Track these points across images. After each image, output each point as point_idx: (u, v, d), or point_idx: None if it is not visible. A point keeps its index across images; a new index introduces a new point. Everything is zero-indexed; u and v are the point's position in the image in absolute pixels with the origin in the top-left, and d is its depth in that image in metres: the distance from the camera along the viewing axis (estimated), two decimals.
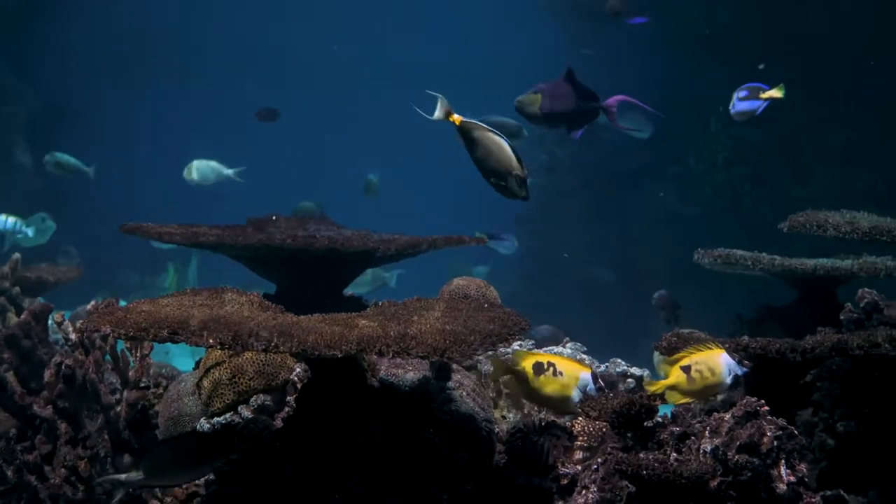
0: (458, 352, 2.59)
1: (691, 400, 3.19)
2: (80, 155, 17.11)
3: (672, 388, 3.13)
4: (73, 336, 4.03)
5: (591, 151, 12.64)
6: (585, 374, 3.13)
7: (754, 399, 2.89)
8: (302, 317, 2.82)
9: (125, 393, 3.96)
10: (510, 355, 3.61)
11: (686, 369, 3.08)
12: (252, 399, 3.44)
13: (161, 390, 3.97)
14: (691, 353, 3.10)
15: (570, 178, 12.82)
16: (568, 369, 3.13)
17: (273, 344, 2.50)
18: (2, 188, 14.05)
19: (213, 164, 8.60)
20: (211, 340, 2.53)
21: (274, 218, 4.55)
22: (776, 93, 4.73)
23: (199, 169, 8.61)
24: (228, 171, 8.55)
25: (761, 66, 7.22)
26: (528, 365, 3.15)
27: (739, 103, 4.84)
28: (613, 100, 4.61)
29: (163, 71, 21.20)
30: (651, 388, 3.16)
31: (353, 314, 2.92)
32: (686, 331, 3.43)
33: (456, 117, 3.25)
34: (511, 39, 20.28)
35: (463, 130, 3.29)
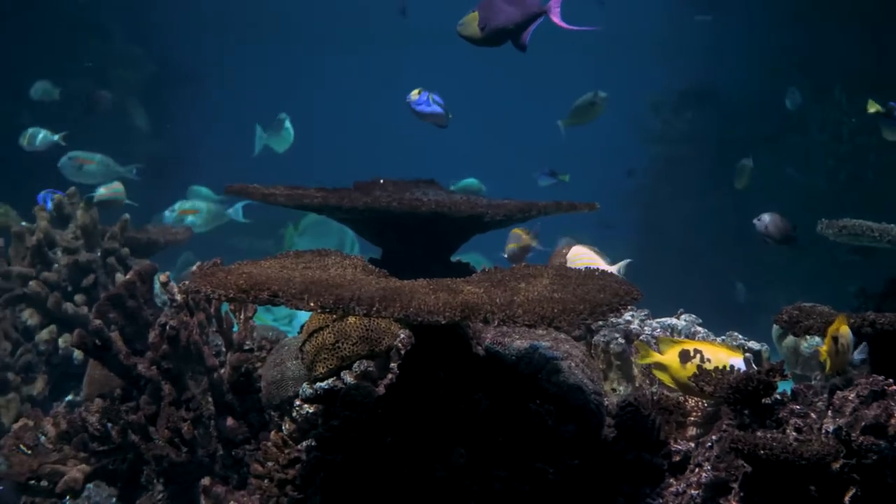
0: (566, 321, 2.47)
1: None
2: (194, 118, 17.37)
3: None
4: (178, 297, 4.03)
5: (707, 120, 12.38)
6: (736, 360, 2.96)
7: (881, 378, 2.71)
8: (406, 281, 2.73)
9: (229, 355, 3.94)
10: (648, 338, 3.50)
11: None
12: (355, 365, 3.37)
13: (265, 354, 3.94)
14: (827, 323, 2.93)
15: (685, 147, 12.60)
16: (716, 356, 2.97)
17: (375, 309, 2.41)
18: (119, 152, 14.31)
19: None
20: (312, 304, 2.46)
21: (381, 181, 4.48)
22: None
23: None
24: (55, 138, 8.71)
25: None
26: (673, 353, 3.01)
27: None
28: (554, 1, 4.39)
29: (277, 34, 21.36)
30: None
31: (459, 279, 2.82)
32: (808, 304, 3.24)
33: None
34: (625, 6, 19.94)
35: None
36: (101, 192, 6.33)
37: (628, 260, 3.82)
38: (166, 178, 12.37)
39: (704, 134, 12.25)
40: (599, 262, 3.80)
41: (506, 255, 5.07)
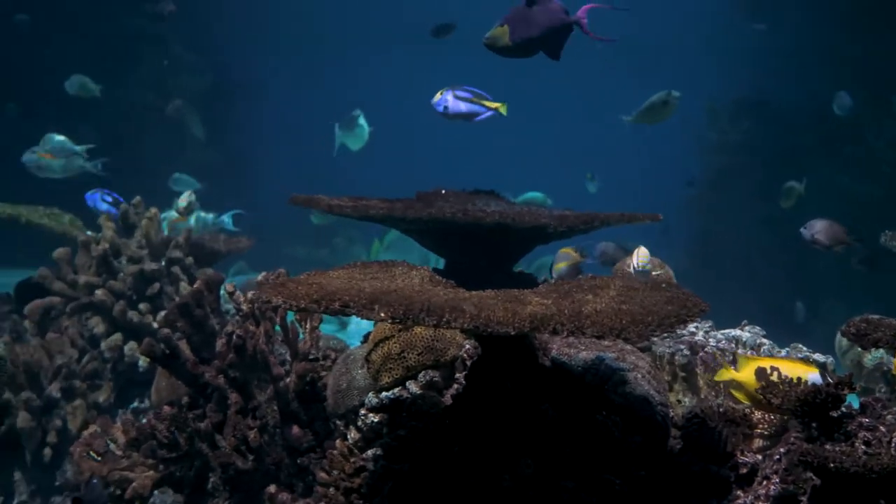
0: (634, 332, 2.47)
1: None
2: (249, 127, 17.52)
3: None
4: (244, 306, 4.08)
5: (762, 129, 12.30)
6: (814, 376, 2.95)
7: None
8: (473, 292, 2.75)
9: (294, 364, 3.99)
10: (713, 349, 3.49)
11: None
12: (420, 374, 3.40)
13: (330, 363, 3.98)
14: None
15: (740, 156, 12.53)
16: (793, 372, 2.96)
17: (444, 319, 2.44)
18: (176, 160, 14.48)
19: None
20: (382, 314, 2.48)
21: (443, 192, 4.50)
22: None
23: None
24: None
25: None
26: (750, 371, 3.00)
27: None
28: (582, 10, 4.42)
29: (331, 43, 21.50)
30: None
31: (526, 291, 2.84)
32: (876, 316, 3.22)
33: None
34: (680, 14, 19.86)
35: None
36: (180, 205, 6.42)
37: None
38: (222, 186, 12.50)
39: (760, 143, 12.17)
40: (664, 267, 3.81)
41: (554, 277, 5.01)
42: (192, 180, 9.74)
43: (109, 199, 6.61)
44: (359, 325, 10.56)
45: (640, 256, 3.88)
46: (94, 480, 3.75)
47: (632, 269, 3.90)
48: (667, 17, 20.39)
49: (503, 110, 5.04)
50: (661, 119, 7.23)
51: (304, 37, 21.14)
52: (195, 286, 4.34)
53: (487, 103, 4.98)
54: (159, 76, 15.16)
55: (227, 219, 8.03)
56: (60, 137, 7.56)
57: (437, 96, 5.04)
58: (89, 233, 6.03)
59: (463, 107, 5.01)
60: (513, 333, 2.41)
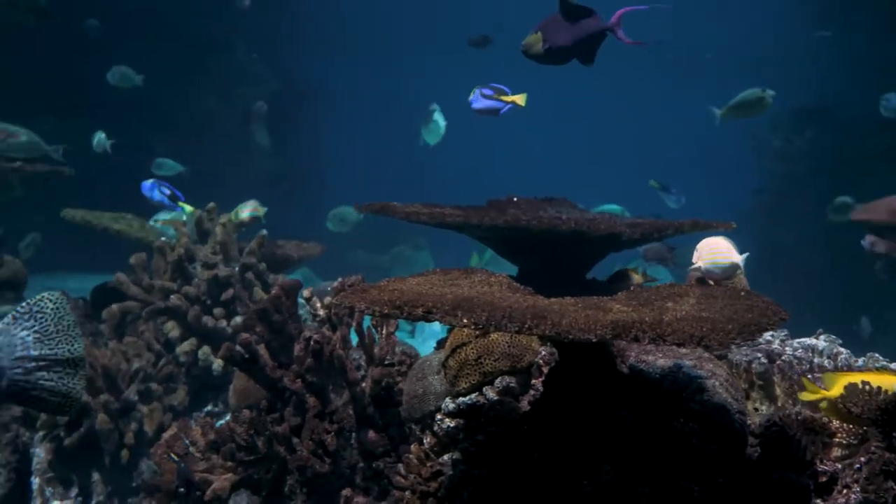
0: (715, 340, 2.49)
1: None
2: (314, 134, 17.68)
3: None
4: (320, 312, 4.15)
5: (826, 137, 12.20)
6: None
7: None
8: (553, 299, 2.78)
9: (370, 369, 4.04)
10: (790, 357, 3.49)
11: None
12: (497, 380, 3.44)
13: (405, 368, 4.03)
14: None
15: (804, 163, 12.43)
16: (886, 385, 2.94)
17: (527, 326, 2.47)
18: (242, 168, 14.66)
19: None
20: (465, 320, 2.52)
21: (514, 199, 4.54)
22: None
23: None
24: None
25: None
26: (839, 387, 2.98)
27: None
28: (615, 17, 4.47)
29: (395, 51, 21.61)
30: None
31: (605, 298, 2.87)
32: None
33: None
34: (743, 23, 19.74)
35: None
36: (244, 215, 6.50)
37: (747, 253, 3.82)
38: (287, 193, 12.65)
39: (823, 151, 12.07)
40: (732, 252, 3.80)
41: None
42: (175, 164, 9.83)
43: (167, 191, 6.72)
44: (422, 331, 10.64)
45: (714, 251, 3.86)
46: (183, 465, 3.85)
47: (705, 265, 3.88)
48: (732, 26, 20.29)
49: (521, 102, 5.17)
50: (752, 114, 7.30)
51: (369, 43, 21.28)
52: (273, 292, 4.41)
53: (506, 98, 5.10)
54: (225, 84, 15.35)
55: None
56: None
57: (471, 95, 5.20)
58: (164, 238, 6.14)
59: (485, 103, 5.21)
60: (594, 340, 2.44)
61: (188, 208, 6.87)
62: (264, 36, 16.27)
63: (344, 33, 20.64)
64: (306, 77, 17.90)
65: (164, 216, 7.73)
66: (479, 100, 5.20)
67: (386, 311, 2.63)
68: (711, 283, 3.75)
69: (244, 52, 15.94)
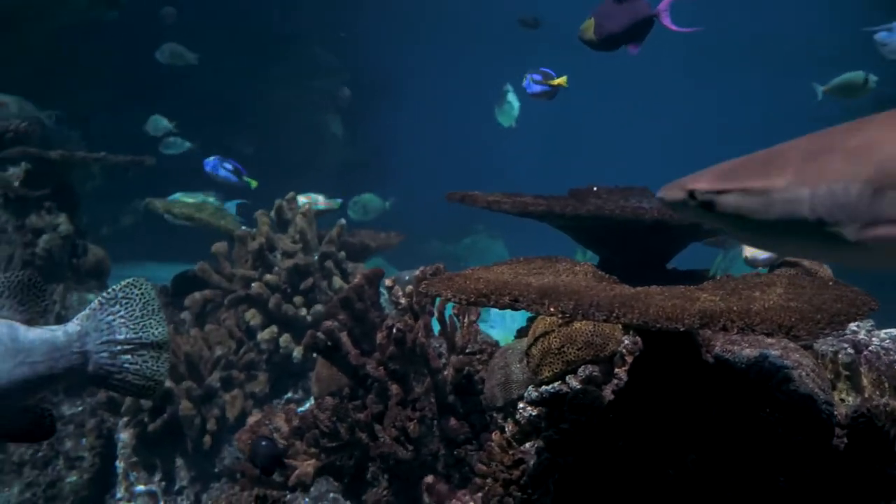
0: (804, 330, 2.47)
1: None
2: (386, 125, 17.76)
3: None
4: (402, 301, 4.18)
5: None
6: None
7: None
8: (639, 288, 2.78)
9: (451, 357, 4.07)
10: (877, 347, 3.45)
11: None
12: (580, 369, 3.44)
13: (486, 357, 4.05)
14: None
15: None
16: None
17: (614, 314, 2.47)
18: (317, 158, 14.77)
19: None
20: (552, 308, 2.53)
21: (595, 188, 4.53)
22: None
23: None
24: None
25: None
26: None
27: None
28: (663, 4, 4.51)
29: (467, 42, 21.59)
30: None
31: (691, 287, 2.86)
32: None
33: None
34: (822, 10, 19.44)
35: None
36: (320, 205, 6.57)
37: None
38: (361, 183, 12.71)
39: None
40: None
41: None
42: (163, 119, 9.91)
43: (230, 166, 6.80)
44: (483, 319, 10.63)
45: None
46: (264, 443, 3.90)
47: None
48: (808, 16, 19.99)
49: (564, 83, 5.47)
50: (853, 96, 7.34)
51: (441, 32, 21.27)
52: (356, 280, 4.46)
53: (553, 82, 5.26)
54: (299, 76, 15.46)
55: (231, 207, 8.20)
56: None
57: (523, 81, 5.40)
58: (245, 228, 6.23)
59: (539, 88, 5.52)
60: (682, 329, 2.43)
61: (253, 183, 6.97)
62: (337, 28, 16.35)
63: (415, 22, 20.63)
64: (378, 67, 17.95)
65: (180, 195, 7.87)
66: (531, 85, 5.36)
67: (473, 299, 2.65)
68: (759, 270, 3.73)
69: (318, 43, 16.04)
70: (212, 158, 7.20)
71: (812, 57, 17.21)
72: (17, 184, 6.67)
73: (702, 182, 2.34)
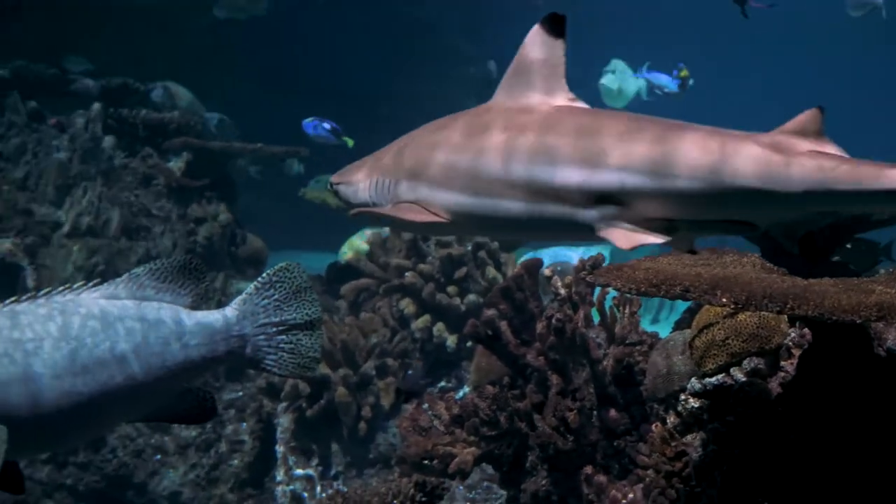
0: None
1: None
2: None
3: None
4: (562, 291, 4.19)
5: None
6: None
7: None
8: (811, 280, 2.73)
9: (612, 348, 4.06)
10: None
11: None
12: (745, 362, 3.40)
13: (646, 348, 4.03)
14: None
15: None
16: None
17: (788, 306, 2.45)
18: None
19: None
20: (724, 299, 2.52)
21: None
22: None
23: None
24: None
25: None
26: None
27: None
28: None
29: (599, 36, 21.44)
30: None
31: (865, 279, 2.80)
32: None
33: None
34: None
35: None
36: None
37: None
38: None
39: None
40: None
41: None
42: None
43: (328, 125, 6.90)
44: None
45: None
46: (410, 371, 3.96)
47: None
48: None
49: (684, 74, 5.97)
50: None
51: (573, 17, 21.17)
52: (516, 270, 4.49)
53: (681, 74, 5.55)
54: (435, 65, 15.54)
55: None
56: None
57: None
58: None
59: (663, 79, 6.01)
60: (858, 322, 2.40)
61: (350, 141, 7.08)
62: (476, 18, 16.36)
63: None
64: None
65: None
66: (657, 78, 5.71)
67: (643, 289, 2.66)
68: None
69: (456, 35, 16.08)
70: (310, 119, 7.33)
71: None
72: (179, 174, 6.90)
73: (335, 176, 3.37)
